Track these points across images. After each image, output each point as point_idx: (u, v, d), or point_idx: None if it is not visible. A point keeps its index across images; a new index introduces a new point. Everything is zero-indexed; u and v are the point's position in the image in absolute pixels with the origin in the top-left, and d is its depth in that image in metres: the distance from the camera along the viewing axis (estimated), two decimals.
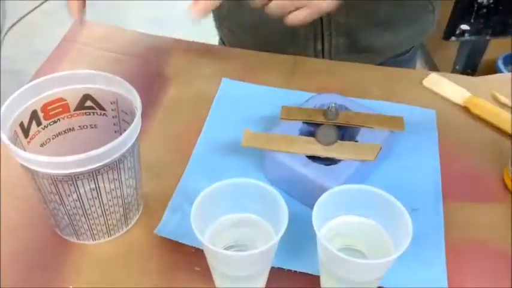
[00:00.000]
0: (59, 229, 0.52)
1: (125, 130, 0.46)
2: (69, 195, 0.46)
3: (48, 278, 0.49)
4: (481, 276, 0.49)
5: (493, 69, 1.62)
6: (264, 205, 0.45)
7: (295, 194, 0.55)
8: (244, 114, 0.64)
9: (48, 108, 0.50)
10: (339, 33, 0.76)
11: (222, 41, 0.91)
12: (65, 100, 0.51)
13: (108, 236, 0.52)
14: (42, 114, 0.50)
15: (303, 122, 0.58)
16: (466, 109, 0.65)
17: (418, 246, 0.50)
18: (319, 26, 0.75)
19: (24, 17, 2.25)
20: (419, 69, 1.67)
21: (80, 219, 0.49)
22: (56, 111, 0.51)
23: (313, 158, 0.54)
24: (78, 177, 0.44)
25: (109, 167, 0.45)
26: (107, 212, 0.49)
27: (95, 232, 0.51)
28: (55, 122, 0.51)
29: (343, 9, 0.72)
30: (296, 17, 0.54)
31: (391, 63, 0.77)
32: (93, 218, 0.49)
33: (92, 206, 0.48)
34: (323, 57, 0.80)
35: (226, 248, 0.47)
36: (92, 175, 0.44)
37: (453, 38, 1.40)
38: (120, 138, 0.44)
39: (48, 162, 0.42)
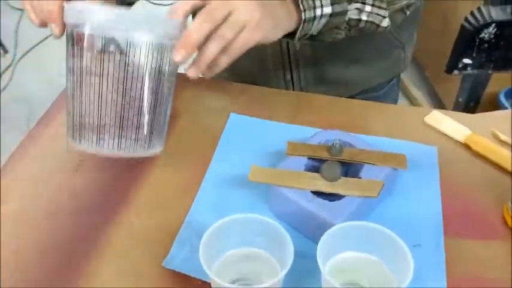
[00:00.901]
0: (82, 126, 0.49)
1: None
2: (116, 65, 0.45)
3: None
4: None
5: (495, 103, 1.64)
6: (271, 241, 0.47)
7: (300, 228, 0.56)
8: (252, 149, 0.66)
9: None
10: (306, 64, 0.79)
11: None
12: None
13: (134, 151, 0.49)
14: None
15: (308, 158, 0.60)
16: (466, 146, 0.67)
17: (420, 281, 0.51)
18: (287, 57, 0.78)
19: (36, 46, 2.30)
20: (422, 107, 1.69)
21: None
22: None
23: (318, 193, 0.55)
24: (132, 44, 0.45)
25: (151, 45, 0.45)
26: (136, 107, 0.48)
27: (123, 134, 0.48)
28: None
29: (308, 40, 0.75)
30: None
31: (364, 99, 0.79)
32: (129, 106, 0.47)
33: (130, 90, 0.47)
34: (293, 87, 0.82)
35: (232, 282, 0.48)
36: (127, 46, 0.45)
37: (456, 72, 1.42)
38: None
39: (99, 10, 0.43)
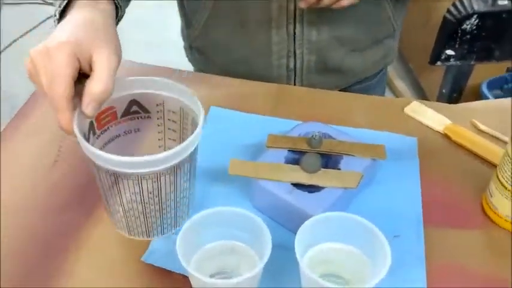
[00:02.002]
0: (114, 223, 0.54)
1: (169, 129, 0.51)
2: (132, 194, 0.48)
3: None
4: None
5: (477, 94, 1.65)
6: (249, 233, 0.47)
7: (280, 221, 0.56)
8: (232, 142, 0.66)
9: (101, 117, 0.52)
10: (311, 51, 0.79)
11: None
12: (114, 108, 0.53)
13: (162, 234, 0.54)
14: (96, 124, 0.52)
15: (288, 150, 0.59)
16: (446, 136, 0.67)
17: (400, 271, 0.52)
18: (292, 44, 0.78)
19: (16, 40, 2.27)
20: (402, 98, 1.71)
21: (139, 217, 0.51)
22: (107, 119, 0.53)
23: (298, 185, 0.55)
24: (143, 177, 0.47)
25: (168, 171, 0.47)
26: (163, 212, 0.51)
27: (150, 230, 0.53)
28: (105, 130, 0.53)
29: (315, 28, 0.75)
30: None
31: (359, 89, 0.79)
32: (151, 216, 0.51)
33: (152, 205, 0.50)
34: (295, 76, 0.82)
35: (212, 276, 0.48)
36: (155, 176, 0.47)
37: (439, 63, 1.43)
38: (186, 143, 0.46)
39: (109, 159, 0.45)
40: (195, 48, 0.88)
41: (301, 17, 0.75)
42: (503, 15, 1.35)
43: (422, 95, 1.90)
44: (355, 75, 0.86)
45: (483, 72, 1.62)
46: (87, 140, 0.50)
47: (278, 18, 0.75)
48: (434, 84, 1.65)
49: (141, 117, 0.55)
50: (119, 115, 0.54)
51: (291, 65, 0.81)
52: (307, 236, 0.45)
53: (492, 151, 0.64)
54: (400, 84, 1.99)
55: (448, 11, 1.37)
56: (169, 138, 0.56)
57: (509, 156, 0.53)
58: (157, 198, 0.50)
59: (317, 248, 0.48)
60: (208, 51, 0.86)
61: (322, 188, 0.55)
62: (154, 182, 0.48)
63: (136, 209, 0.51)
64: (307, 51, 0.79)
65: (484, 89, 1.64)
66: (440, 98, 1.58)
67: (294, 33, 0.76)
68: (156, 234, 0.54)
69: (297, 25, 0.75)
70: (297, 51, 0.79)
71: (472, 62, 1.44)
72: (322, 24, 0.76)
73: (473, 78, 1.57)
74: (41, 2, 2.47)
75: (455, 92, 1.57)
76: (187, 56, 0.92)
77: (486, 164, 0.64)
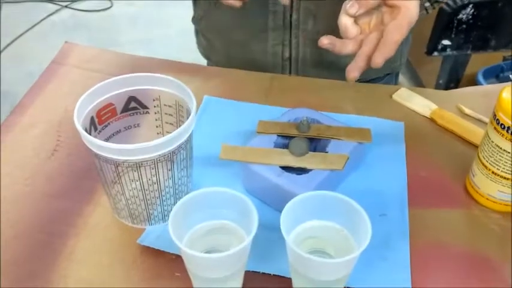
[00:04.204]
0: (117, 212, 0.57)
1: (166, 123, 0.54)
2: (132, 181, 0.51)
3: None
4: (443, 277, 0.53)
5: (474, 83, 1.66)
6: (238, 212, 0.49)
7: (270, 203, 0.58)
8: (224, 129, 0.68)
9: (101, 113, 0.55)
10: (306, 41, 0.80)
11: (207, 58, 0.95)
12: (113, 104, 0.56)
13: (163, 222, 0.57)
14: (97, 119, 0.55)
15: (278, 135, 0.62)
16: (432, 121, 0.69)
17: (385, 248, 0.54)
18: (289, 32, 0.79)
19: (16, 39, 2.29)
20: (391, 85, 1.71)
21: (140, 204, 0.54)
22: (106, 116, 0.56)
23: (286, 168, 0.57)
24: (141, 164, 0.49)
25: (165, 158, 0.50)
26: (163, 198, 0.54)
27: (151, 217, 0.56)
28: (106, 126, 0.56)
29: (311, 16, 0.76)
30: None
31: None
32: (151, 203, 0.54)
33: (152, 192, 0.53)
34: (290, 66, 0.83)
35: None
36: (153, 163, 0.49)
37: (435, 53, 1.45)
38: (180, 130, 0.49)
39: (109, 148, 0.48)
40: (200, 32, 0.90)
41: (298, 4, 0.76)
42: (499, 4, 1.36)
43: (420, 86, 1.91)
44: None
45: (480, 61, 1.64)
46: (89, 133, 0.52)
47: (275, 3, 0.76)
48: (432, 74, 1.67)
49: (139, 113, 0.58)
50: (118, 111, 0.56)
51: (286, 55, 0.82)
52: (292, 214, 0.47)
53: (476, 133, 0.66)
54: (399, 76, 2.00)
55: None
56: (168, 132, 0.58)
57: (488, 137, 0.55)
58: (156, 185, 0.52)
59: (302, 226, 0.50)
60: (210, 34, 0.88)
61: (310, 170, 0.57)
62: (152, 169, 0.50)
63: (137, 197, 0.53)
64: (302, 41, 0.80)
65: (480, 78, 1.65)
66: (438, 88, 1.59)
67: (291, 21, 0.78)
68: (158, 221, 0.56)
69: (294, 12, 0.77)
70: (293, 41, 0.80)
71: (468, 52, 1.46)
72: (318, 14, 0.76)
73: (470, 68, 1.58)
74: None
75: (452, 82, 1.59)
76: (196, 43, 0.94)
77: (470, 147, 0.66)
